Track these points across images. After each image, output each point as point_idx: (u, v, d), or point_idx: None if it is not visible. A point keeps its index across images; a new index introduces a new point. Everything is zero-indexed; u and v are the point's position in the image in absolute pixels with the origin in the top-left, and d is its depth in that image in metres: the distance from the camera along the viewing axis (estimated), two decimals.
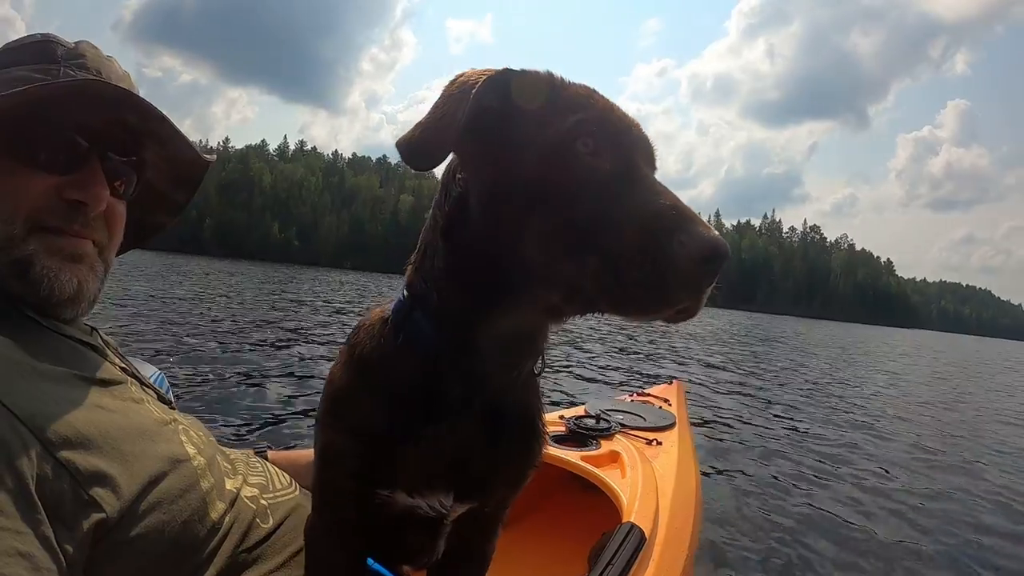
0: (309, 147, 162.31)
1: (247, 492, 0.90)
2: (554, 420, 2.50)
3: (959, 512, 4.01)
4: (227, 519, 0.81)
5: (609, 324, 18.24)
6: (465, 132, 0.60)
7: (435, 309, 0.68)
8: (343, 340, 0.78)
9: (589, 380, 7.92)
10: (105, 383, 0.77)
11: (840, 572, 2.98)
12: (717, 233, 0.53)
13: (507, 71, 0.63)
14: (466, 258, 0.66)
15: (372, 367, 0.71)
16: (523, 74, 0.64)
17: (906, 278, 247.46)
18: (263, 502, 0.92)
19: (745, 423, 6.28)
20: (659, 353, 13.01)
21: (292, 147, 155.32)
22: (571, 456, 2.10)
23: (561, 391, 6.72)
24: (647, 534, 1.51)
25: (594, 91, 0.65)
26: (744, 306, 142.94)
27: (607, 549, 1.40)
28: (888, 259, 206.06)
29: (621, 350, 12.68)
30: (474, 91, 0.60)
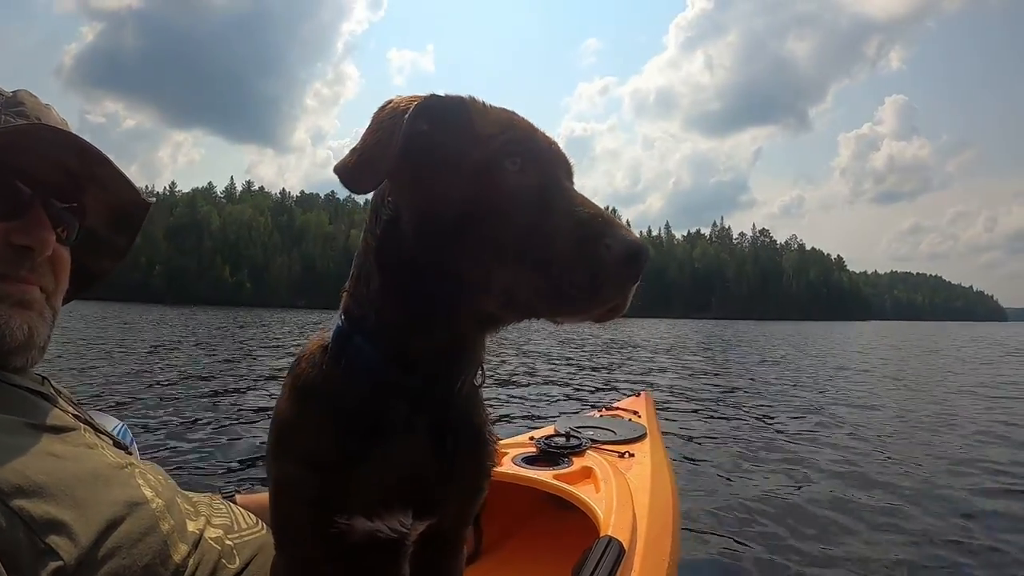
0: (256, 187, 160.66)
1: (211, 533, 0.87)
2: (524, 441, 2.49)
3: (934, 500, 4.07)
4: (191, 561, 0.79)
5: (568, 345, 18.34)
6: (398, 156, 0.62)
7: (373, 330, 0.69)
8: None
9: (556, 400, 7.95)
10: (57, 430, 0.75)
11: (821, 570, 3.01)
12: (637, 236, 0.59)
13: (434, 97, 0.66)
14: (401, 278, 0.67)
15: (316, 393, 0.70)
16: (449, 99, 0.66)
17: (857, 272, 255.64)
18: (228, 542, 0.89)
19: (712, 427, 6.43)
20: (622, 366, 13.14)
21: (240, 188, 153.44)
22: (543, 476, 2.08)
23: (528, 413, 6.75)
24: (626, 546, 1.50)
25: (514, 113, 0.68)
26: (700, 315, 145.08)
27: (586, 565, 1.39)
28: (839, 255, 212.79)
29: (583, 367, 12.72)
30: (406, 116, 0.63)
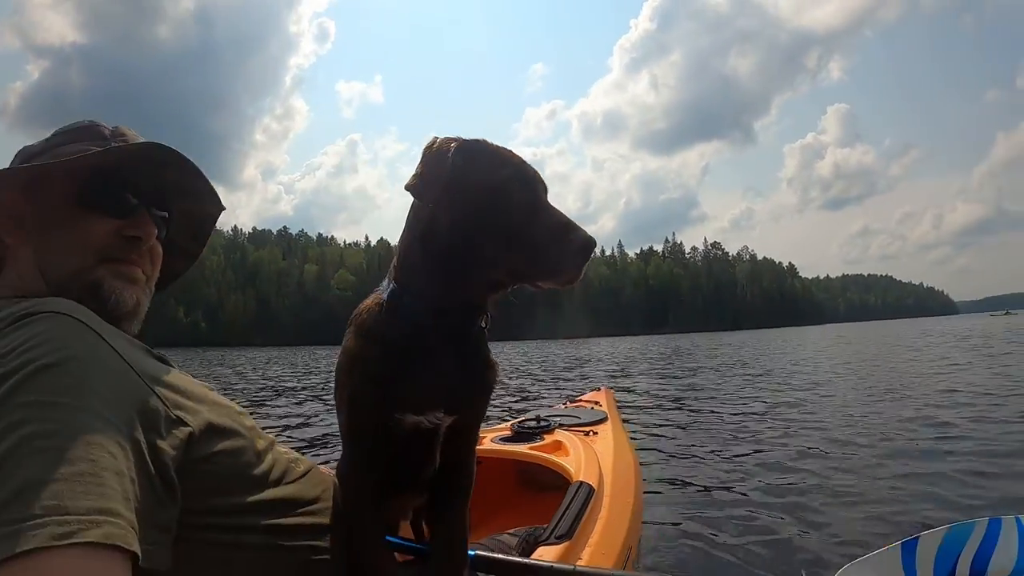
0: None
1: (278, 447, 1.10)
2: (500, 428, 2.75)
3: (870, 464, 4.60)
4: (269, 457, 1.02)
5: (533, 362, 18.55)
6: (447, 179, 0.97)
7: (416, 291, 1.01)
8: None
9: (526, 404, 8.89)
10: (168, 365, 0.98)
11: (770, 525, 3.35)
12: (588, 233, 0.94)
13: (466, 140, 1.00)
14: (439, 256, 1.00)
15: (376, 332, 1.00)
16: (474, 142, 1.01)
17: (810, 278, 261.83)
18: (291, 455, 1.12)
19: (665, 419, 7.29)
20: (584, 377, 13.55)
21: None
22: (520, 449, 2.35)
23: (501, 417, 7.11)
24: (595, 487, 1.77)
25: (512, 151, 1.03)
26: (657, 330, 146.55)
27: (562, 504, 1.64)
28: (790, 263, 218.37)
29: (549, 379, 13.16)
30: (451, 155, 0.97)
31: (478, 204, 0.97)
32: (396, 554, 1.17)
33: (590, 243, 0.93)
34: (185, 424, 0.83)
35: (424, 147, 1.00)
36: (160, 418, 0.79)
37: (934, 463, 4.57)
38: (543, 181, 1.03)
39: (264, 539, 0.95)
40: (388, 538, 1.14)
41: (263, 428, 1.10)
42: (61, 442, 0.63)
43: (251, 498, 0.94)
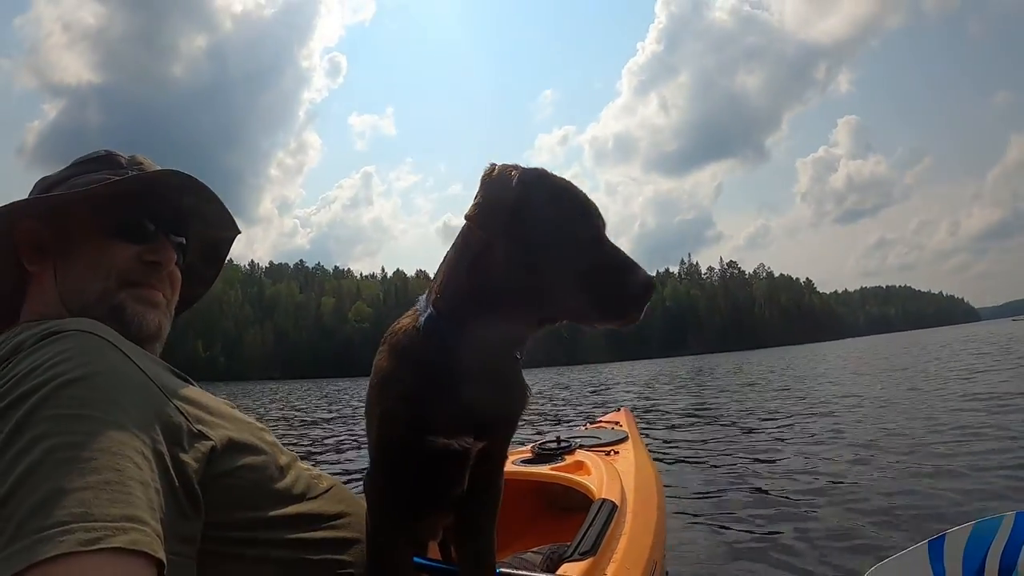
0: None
1: (300, 463, 1.10)
2: (521, 450, 2.75)
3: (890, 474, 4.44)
4: (291, 472, 1.02)
5: (556, 386, 18.48)
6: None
7: (455, 319, 0.98)
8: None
9: (546, 427, 8.68)
10: (191, 383, 1.00)
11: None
12: (648, 274, 0.92)
13: (527, 169, 0.97)
14: (489, 289, 0.96)
15: (409, 353, 0.99)
16: (535, 170, 0.98)
17: (828, 293, 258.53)
18: (314, 471, 1.12)
19: (687, 439, 7.15)
20: (605, 402, 13.46)
21: None
22: (542, 470, 2.35)
23: (524, 439, 7.07)
24: (618, 504, 1.76)
25: (570, 181, 1.00)
26: (676, 352, 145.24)
27: (585, 521, 1.63)
28: (807, 279, 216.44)
29: (571, 404, 13.09)
30: (513, 184, 0.94)
31: (540, 238, 0.93)
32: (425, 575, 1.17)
33: (651, 284, 0.92)
34: (207, 438, 0.85)
35: (483, 174, 0.96)
36: (182, 432, 0.81)
37: (954, 462, 4.60)
38: (601, 214, 1.00)
39: (289, 553, 0.95)
40: (416, 559, 1.14)
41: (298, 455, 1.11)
42: (87, 453, 0.64)
43: (274, 512, 0.95)
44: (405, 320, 1.04)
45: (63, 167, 1.08)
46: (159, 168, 1.09)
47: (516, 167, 0.97)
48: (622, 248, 0.95)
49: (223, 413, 0.95)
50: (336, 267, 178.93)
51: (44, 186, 1.05)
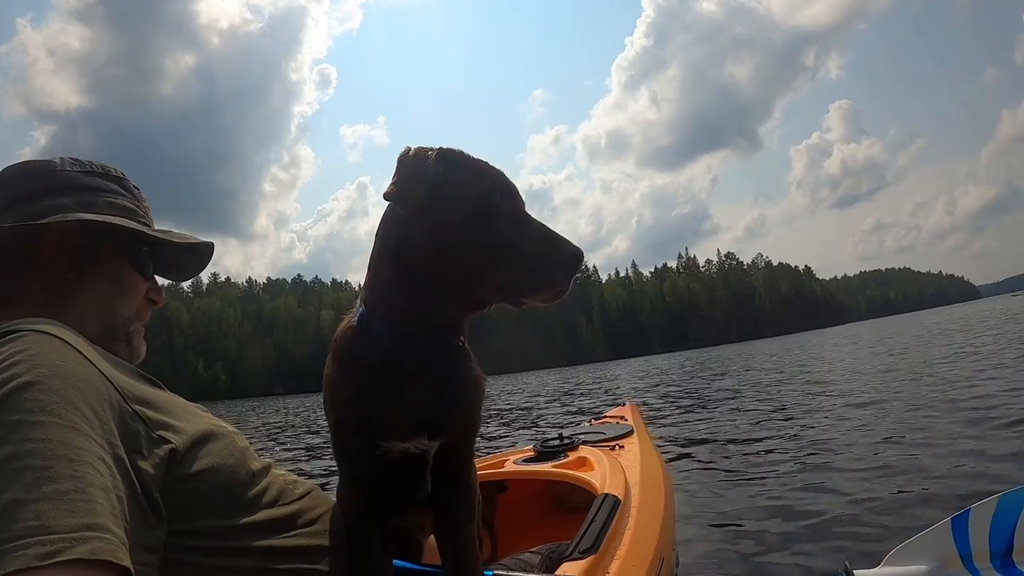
0: (223, 278, 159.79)
1: (276, 469, 1.08)
2: (522, 449, 2.68)
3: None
4: (264, 479, 1.00)
5: (559, 390, 18.47)
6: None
7: (387, 314, 0.95)
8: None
9: (548, 427, 8.69)
10: (161, 389, 0.99)
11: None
12: (577, 245, 0.90)
13: (444, 149, 0.95)
14: (410, 276, 0.93)
15: (350, 359, 0.96)
16: (453, 150, 0.95)
17: (828, 279, 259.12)
18: (290, 477, 1.10)
19: (693, 434, 7.00)
20: (610, 400, 13.39)
21: (206, 281, 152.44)
22: (543, 468, 2.27)
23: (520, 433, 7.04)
24: (621, 499, 1.69)
25: (487, 162, 0.97)
26: (679, 347, 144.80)
27: (588, 515, 1.56)
28: (807, 266, 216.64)
29: (573, 404, 13.01)
30: (431, 162, 0.91)
31: (459, 215, 0.91)
32: None
33: (579, 254, 0.90)
34: (167, 442, 0.82)
35: (400, 155, 0.94)
36: (140, 437, 0.79)
37: (967, 442, 4.53)
38: (520, 194, 0.98)
39: (256, 562, 0.91)
40: (400, 563, 1.10)
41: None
42: (42, 461, 0.62)
43: (241, 519, 0.91)
44: (344, 322, 1.01)
45: (68, 160, 1.08)
46: (206, 241, 1.20)
47: (433, 148, 0.95)
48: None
49: (188, 416, 0.92)
50: (334, 279, 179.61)
51: (51, 176, 1.05)
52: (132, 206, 1.09)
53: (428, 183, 0.89)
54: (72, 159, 1.08)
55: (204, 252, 1.21)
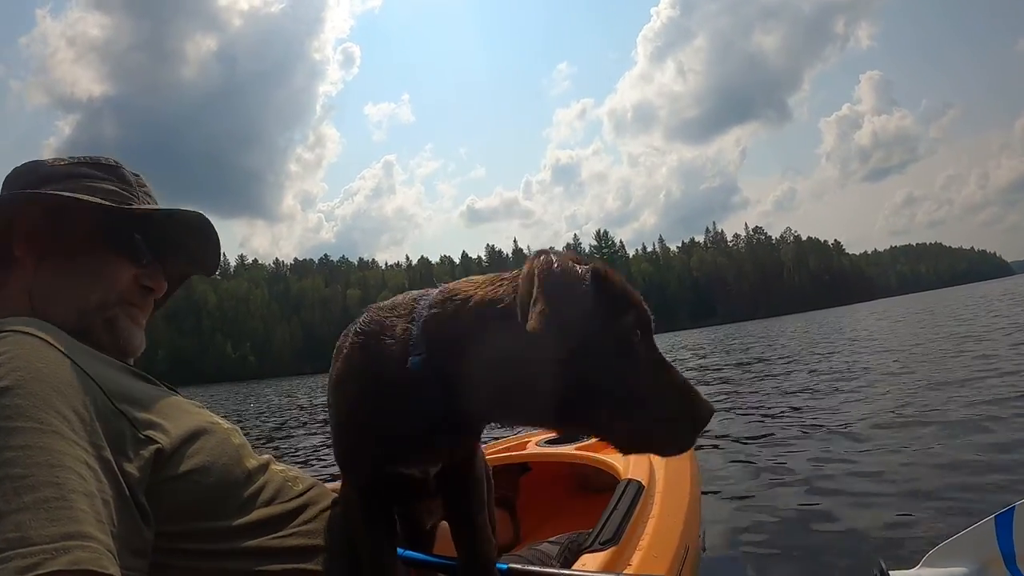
0: (250, 260, 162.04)
1: (275, 466, 1.04)
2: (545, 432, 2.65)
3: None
4: (260, 477, 0.97)
5: None
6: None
7: (449, 377, 0.85)
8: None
9: None
10: (150, 382, 0.96)
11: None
12: (709, 401, 0.81)
13: (595, 268, 0.81)
14: (513, 386, 0.82)
15: (386, 391, 0.90)
16: (600, 271, 0.81)
17: (858, 254, 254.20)
18: (290, 474, 1.06)
19: (726, 417, 6.61)
20: None
21: (233, 263, 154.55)
22: (566, 450, 2.24)
23: None
24: (645, 484, 1.65)
25: (624, 280, 0.84)
26: (706, 322, 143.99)
27: (609, 503, 1.52)
28: (836, 241, 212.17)
29: None
30: (585, 284, 0.78)
31: (597, 355, 0.77)
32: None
33: (711, 413, 0.81)
34: (153, 442, 0.79)
35: (537, 266, 0.77)
36: (126, 438, 0.76)
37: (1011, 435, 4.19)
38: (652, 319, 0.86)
39: (251, 563, 0.88)
40: (411, 554, 1.08)
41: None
42: (21, 469, 0.60)
43: (237, 521, 0.88)
44: (391, 320, 0.91)
45: (60, 159, 1.07)
46: (195, 211, 1.12)
47: (574, 255, 0.82)
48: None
49: (178, 414, 0.88)
50: (361, 259, 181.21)
51: (43, 175, 1.02)
52: (116, 188, 1.05)
53: (582, 320, 0.76)
54: (67, 157, 1.07)
55: (207, 234, 1.15)
